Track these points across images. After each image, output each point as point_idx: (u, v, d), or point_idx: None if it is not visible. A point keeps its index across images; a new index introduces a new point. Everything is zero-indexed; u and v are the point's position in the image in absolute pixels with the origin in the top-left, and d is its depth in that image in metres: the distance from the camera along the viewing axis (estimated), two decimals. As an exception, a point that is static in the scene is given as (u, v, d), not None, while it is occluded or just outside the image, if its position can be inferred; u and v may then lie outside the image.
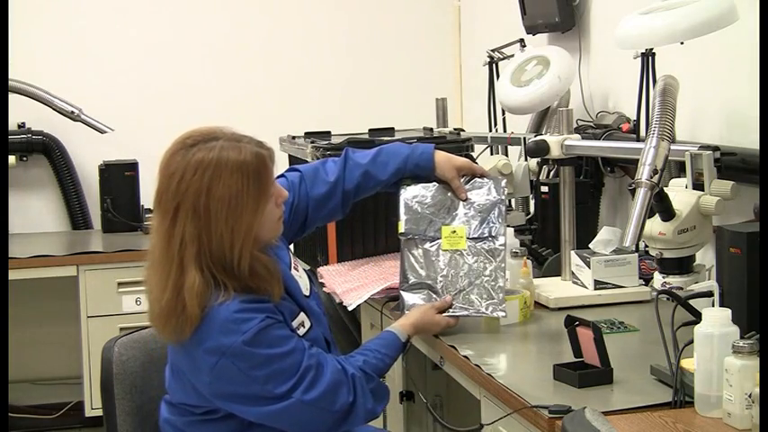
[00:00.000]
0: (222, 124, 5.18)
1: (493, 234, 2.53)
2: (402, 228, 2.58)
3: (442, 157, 2.59)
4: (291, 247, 2.53)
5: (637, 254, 2.75)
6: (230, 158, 2.06)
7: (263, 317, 2.09)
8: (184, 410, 2.22)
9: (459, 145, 3.35)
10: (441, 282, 2.52)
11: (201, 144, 2.09)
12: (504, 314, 2.47)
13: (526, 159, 3.56)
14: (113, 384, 2.36)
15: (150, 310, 2.15)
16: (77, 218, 4.67)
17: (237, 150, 2.08)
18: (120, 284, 4.07)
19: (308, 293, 2.33)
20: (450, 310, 2.48)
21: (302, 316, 2.24)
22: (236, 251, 2.07)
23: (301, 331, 2.21)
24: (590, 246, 2.81)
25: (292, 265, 2.34)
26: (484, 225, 2.54)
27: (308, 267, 2.57)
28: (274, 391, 2.09)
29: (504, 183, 2.61)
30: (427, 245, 2.56)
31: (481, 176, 2.61)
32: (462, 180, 2.59)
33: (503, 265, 2.51)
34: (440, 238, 2.55)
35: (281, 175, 2.51)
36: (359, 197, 2.61)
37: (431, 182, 2.59)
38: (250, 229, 2.08)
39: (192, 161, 2.06)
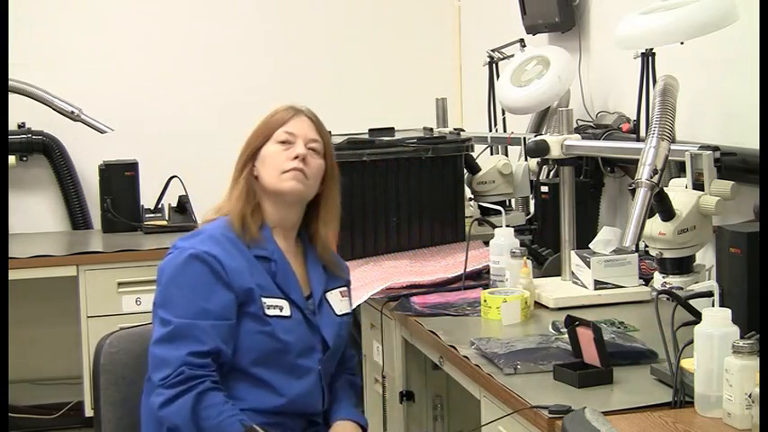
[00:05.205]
0: (223, 124, 5.19)
1: None
2: None
3: None
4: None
5: (637, 254, 2.75)
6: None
7: (212, 251, 2.22)
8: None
9: (459, 145, 3.35)
10: None
11: None
12: None
13: (526, 159, 3.57)
14: (100, 375, 2.36)
15: None
16: (77, 218, 4.67)
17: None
18: (120, 284, 4.06)
19: (314, 311, 2.30)
20: None
21: (284, 302, 2.25)
22: (239, 164, 2.40)
23: (273, 312, 2.23)
24: (590, 246, 2.80)
25: (336, 290, 2.39)
26: None
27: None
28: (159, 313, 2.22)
29: None
30: None
31: None
32: None
33: None
34: None
35: None
36: None
37: None
38: (249, 148, 2.40)
39: None
